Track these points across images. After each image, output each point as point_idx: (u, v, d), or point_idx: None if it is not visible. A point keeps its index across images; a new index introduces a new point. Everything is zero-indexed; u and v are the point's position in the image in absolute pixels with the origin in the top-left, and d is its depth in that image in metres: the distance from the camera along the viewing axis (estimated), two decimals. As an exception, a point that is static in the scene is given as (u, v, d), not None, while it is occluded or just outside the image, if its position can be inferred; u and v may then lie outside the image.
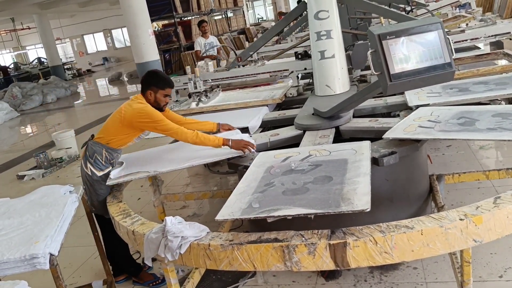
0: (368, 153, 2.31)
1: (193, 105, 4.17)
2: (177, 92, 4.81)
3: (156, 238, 2.04)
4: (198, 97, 4.23)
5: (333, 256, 1.76)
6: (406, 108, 3.13)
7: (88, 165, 2.97)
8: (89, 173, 2.94)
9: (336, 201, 1.85)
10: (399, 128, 2.59)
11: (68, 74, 23.49)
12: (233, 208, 1.98)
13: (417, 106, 2.99)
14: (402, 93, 3.31)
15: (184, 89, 4.92)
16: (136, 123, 2.91)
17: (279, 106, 4.05)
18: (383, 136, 2.54)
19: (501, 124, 2.29)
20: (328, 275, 2.83)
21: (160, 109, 3.03)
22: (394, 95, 3.37)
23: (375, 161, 2.35)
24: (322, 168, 2.21)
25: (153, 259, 2.23)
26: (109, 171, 2.92)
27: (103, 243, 3.07)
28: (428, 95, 3.21)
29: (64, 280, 2.15)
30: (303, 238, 1.80)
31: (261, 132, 3.40)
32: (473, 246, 1.82)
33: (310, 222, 1.95)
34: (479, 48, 4.91)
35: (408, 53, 2.08)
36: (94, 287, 3.04)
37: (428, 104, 3.01)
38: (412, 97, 3.21)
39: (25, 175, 6.58)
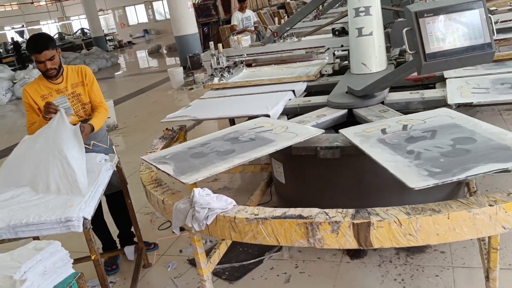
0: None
1: (215, 80, 4.16)
2: (211, 66, 4.83)
3: (184, 208, 2.10)
4: (220, 73, 4.23)
5: (356, 235, 1.77)
6: (445, 105, 2.63)
7: None
8: None
9: None
10: (455, 94, 2.51)
11: (110, 45, 23.96)
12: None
13: (459, 105, 2.59)
14: (443, 84, 3.02)
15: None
16: None
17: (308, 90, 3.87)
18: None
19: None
20: (354, 253, 2.84)
21: (47, 76, 2.93)
22: (434, 87, 3.19)
23: None
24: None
25: (181, 229, 2.30)
26: None
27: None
28: (474, 91, 2.71)
29: (97, 244, 2.26)
30: (327, 216, 1.81)
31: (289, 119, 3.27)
32: (504, 233, 1.78)
33: (338, 201, 1.95)
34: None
35: (445, 32, 2.00)
36: (126, 252, 3.17)
37: (472, 103, 2.60)
38: (454, 92, 2.75)
39: (66, 143, 6.83)
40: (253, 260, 2.99)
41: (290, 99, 3.47)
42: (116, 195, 3.10)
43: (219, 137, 2.76)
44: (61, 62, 2.95)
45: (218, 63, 4.22)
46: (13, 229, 2.03)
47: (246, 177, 4.48)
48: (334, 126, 2.91)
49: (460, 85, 2.87)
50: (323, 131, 2.51)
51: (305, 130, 2.49)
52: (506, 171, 1.72)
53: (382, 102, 2.95)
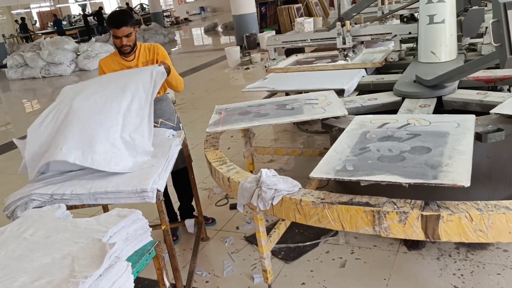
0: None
1: (341, 62, 4.06)
2: (274, 50, 4.83)
3: (250, 187, 2.16)
4: (346, 53, 4.13)
5: (424, 227, 1.77)
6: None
7: None
8: None
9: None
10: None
11: (167, 22, 24.37)
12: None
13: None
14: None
15: (283, 47, 4.91)
16: None
17: (378, 70, 3.95)
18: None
19: None
20: (411, 244, 2.83)
21: (121, 52, 3.04)
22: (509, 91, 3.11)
23: (478, 137, 2.26)
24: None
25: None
26: None
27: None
28: None
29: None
30: (395, 206, 1.82)
31: (357, 95, 3.36)
32: None
33: (398, 191, 1.95)
34: None
35: (535, 26, 1.92)
36: (186, 224, 3.31)
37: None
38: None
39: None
40: (308, 243, 3.04)
41: (363, 76, 3.65)
42: (181, 170, 3.22)
43: (275, 102, 3.14)
44: (136, 40, 3.06)
45: (344, 43, 4.12)
46: (93, 195, 2.18)
47: (301, 160, 4.50)
48: (385, 112, 2.92)
49: None
50: (347, 113, 2.71)
51: (333, 110, 2.78)
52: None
53: (440, 98, 2.88)
